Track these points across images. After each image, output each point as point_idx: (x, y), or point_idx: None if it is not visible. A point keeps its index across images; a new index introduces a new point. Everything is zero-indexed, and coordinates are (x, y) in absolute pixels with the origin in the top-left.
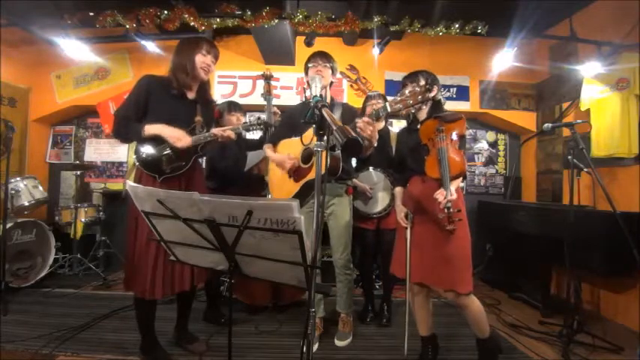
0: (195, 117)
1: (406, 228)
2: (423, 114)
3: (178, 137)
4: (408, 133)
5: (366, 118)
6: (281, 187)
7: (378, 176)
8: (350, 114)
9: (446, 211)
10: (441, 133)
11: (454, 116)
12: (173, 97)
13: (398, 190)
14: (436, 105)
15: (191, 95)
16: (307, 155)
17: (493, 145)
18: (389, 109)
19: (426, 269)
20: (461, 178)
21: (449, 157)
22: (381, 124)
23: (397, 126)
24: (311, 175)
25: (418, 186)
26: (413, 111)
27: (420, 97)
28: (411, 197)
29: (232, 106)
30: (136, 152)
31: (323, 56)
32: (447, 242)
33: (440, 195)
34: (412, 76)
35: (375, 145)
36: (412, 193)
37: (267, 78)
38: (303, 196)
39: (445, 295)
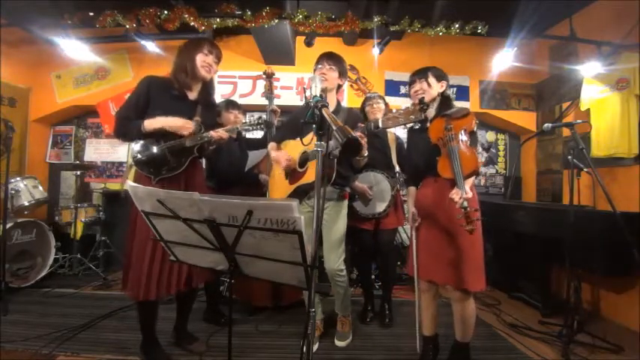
0: (195, 117)
1: (412, 228)
2: (431, 111)
3: (181, 125)
4: (417, 133)
5: (357, 132)
6: (277, 188)
7: (377, 177)
8: (355, 119)
9: (463, 210)
10: (450, 131)
11: (461, 112)
12: (174, 97)
13: (411, 189)
14: (445, 101)
15: (192, 96)
16: (302, 160)
17: (493, 145)
18: (381, 126)
19: (438, 267)
20: (474, 177)
21: (461, 156)
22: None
23: None
24: (304, 180)
25: (431, 185)
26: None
27: (412, 116)
28: (424, 197)
29: (230, 104)
30: (132, 153)
31: (330, 58)
32: (460, 241)
33: (455, 195)
34: (420, 73)
35: (366, 155)
36: (426, 193)
37: (269, 76)
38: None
39: (452, 294)
